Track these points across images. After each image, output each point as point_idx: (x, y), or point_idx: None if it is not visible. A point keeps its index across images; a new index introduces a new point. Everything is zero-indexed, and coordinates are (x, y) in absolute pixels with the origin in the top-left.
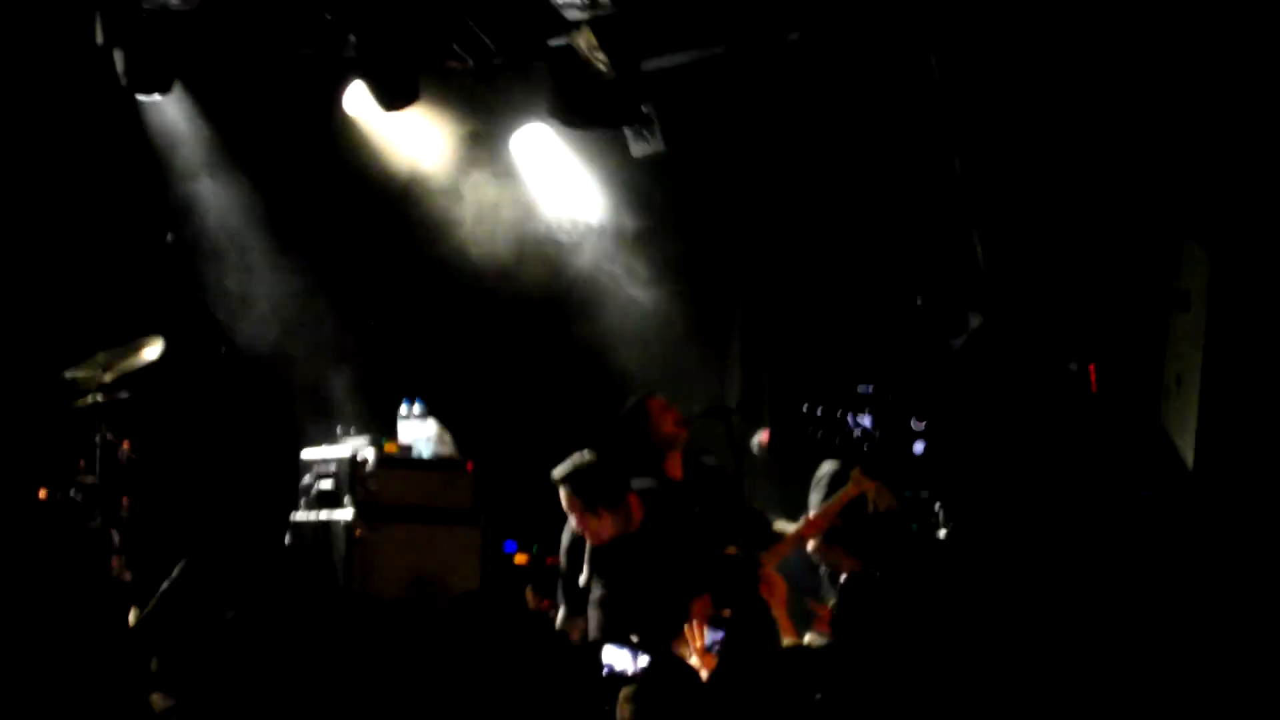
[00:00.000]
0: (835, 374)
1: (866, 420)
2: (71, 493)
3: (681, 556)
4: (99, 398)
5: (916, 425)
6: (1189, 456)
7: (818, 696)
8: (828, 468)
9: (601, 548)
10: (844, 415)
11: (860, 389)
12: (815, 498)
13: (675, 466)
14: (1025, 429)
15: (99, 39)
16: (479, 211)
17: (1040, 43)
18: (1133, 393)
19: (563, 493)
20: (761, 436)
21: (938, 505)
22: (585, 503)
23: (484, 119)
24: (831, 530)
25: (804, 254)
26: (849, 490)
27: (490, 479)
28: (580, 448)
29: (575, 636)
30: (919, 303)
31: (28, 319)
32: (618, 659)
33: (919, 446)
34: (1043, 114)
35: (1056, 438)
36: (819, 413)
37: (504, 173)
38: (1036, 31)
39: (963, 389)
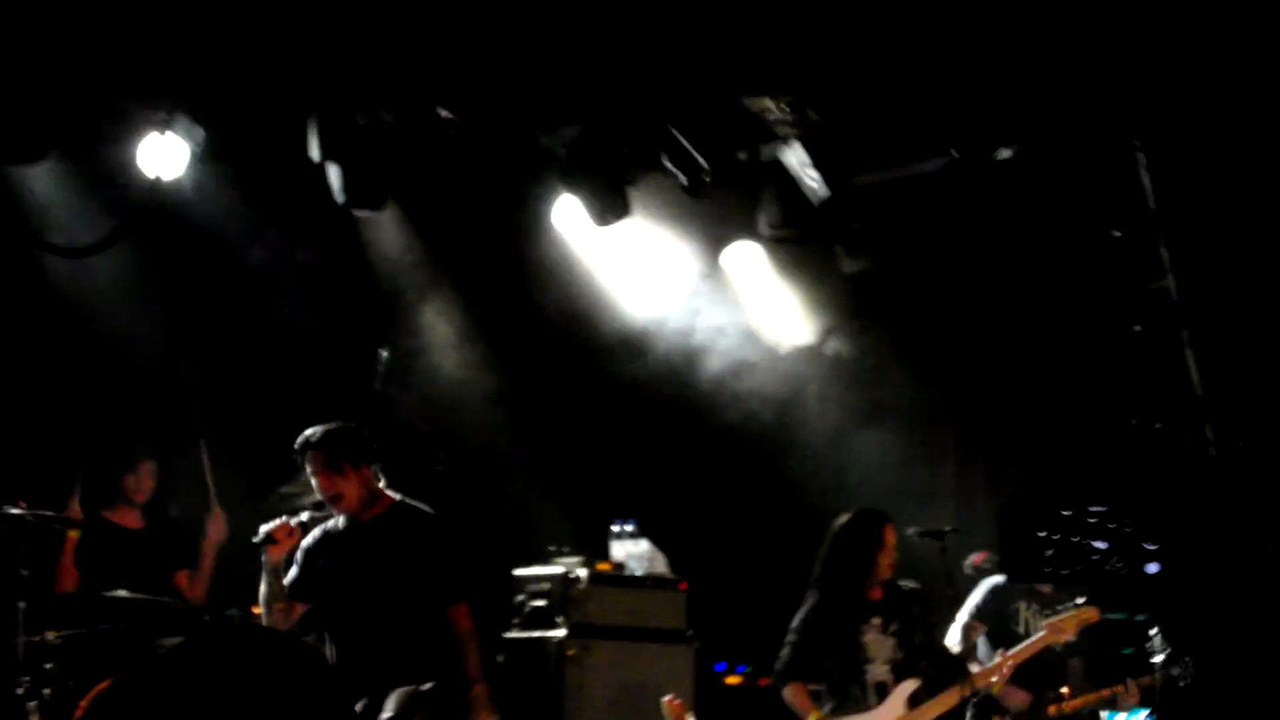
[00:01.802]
0: (1067, 497)
1: (1100, 543)
2: None
3: None
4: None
5: (1149, 546)
6: None
7: None
8: (990, 585)
9: None
10: (1079, 539)
11: (1092, 511)
12: (968, 606)
13: (876, 591)
14: (1257, 554)
15: (315, 155)
16: (691, 331)
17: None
18: None
19: (310, 458)
20: (974, 558)
21: (1154, 630)
22: (329, 459)
23: (694, 234)
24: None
25: (1016, 370)
26: (1045, 638)
27: (702, 599)
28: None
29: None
30: (1134, 424)
31: (244, 435)
32: None
33: (1152, 567)
34: (1261, 229)
35: None
36: (1054, 537)
37: (715, 290)
38: (1256, 142)
39: (1195, 510)
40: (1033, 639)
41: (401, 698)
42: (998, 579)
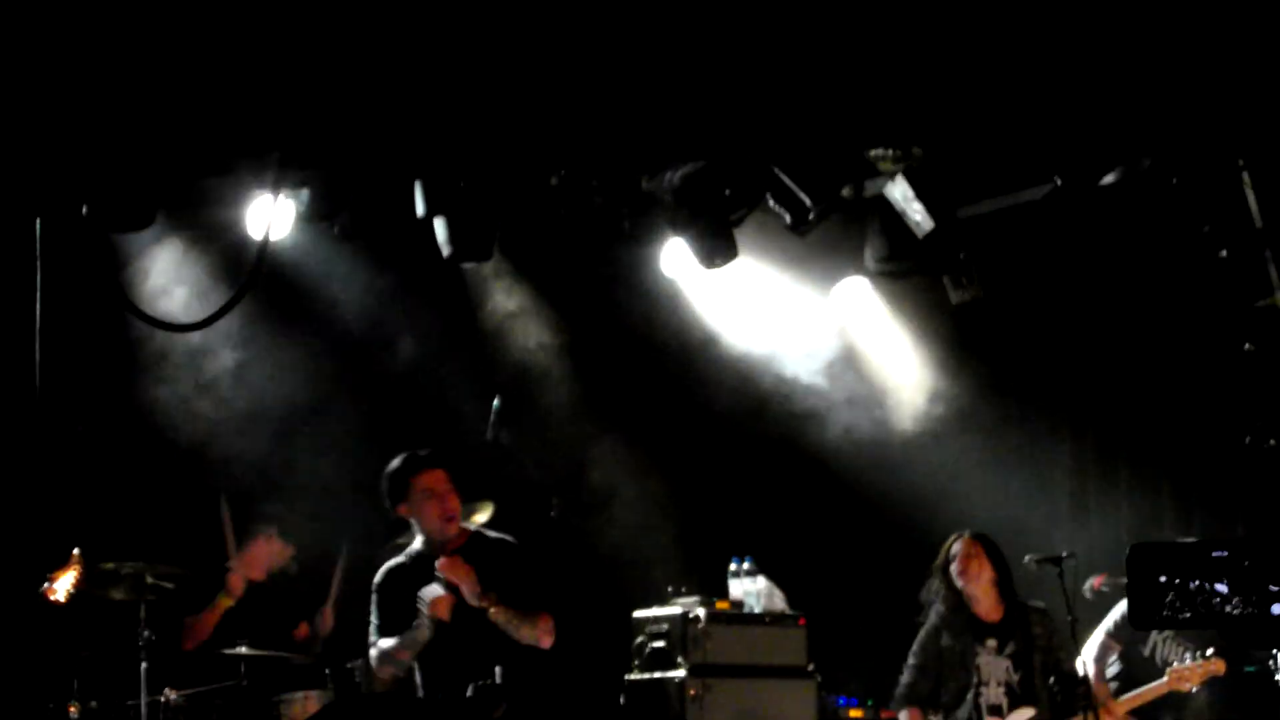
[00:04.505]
0: (1190, 542)
1: (1222, 586)
2: None
3: None
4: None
5: (1275, 589)
6: None
7: None
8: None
9: None
10: (1200, 583)
11: (1215, 554)
12: (1107, 623)
13: (994, 612)
14: None
15: (420, 210)
16: (802, 369)
17: None
18: None
19: (445, 474)
20: (1094, 581)
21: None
22: (454, 476)
23: (801, 272)
24: None
25: (1127, 393)
26: (1167, 685)
27: (823, 634)
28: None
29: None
30: (1248, 442)
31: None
32: None
33: (1278, 608)
34: None
35: None
36: (1175, 581)
37: (825, 328)
38: None
39: None
40: (1154, 685)
41: (478, 694)
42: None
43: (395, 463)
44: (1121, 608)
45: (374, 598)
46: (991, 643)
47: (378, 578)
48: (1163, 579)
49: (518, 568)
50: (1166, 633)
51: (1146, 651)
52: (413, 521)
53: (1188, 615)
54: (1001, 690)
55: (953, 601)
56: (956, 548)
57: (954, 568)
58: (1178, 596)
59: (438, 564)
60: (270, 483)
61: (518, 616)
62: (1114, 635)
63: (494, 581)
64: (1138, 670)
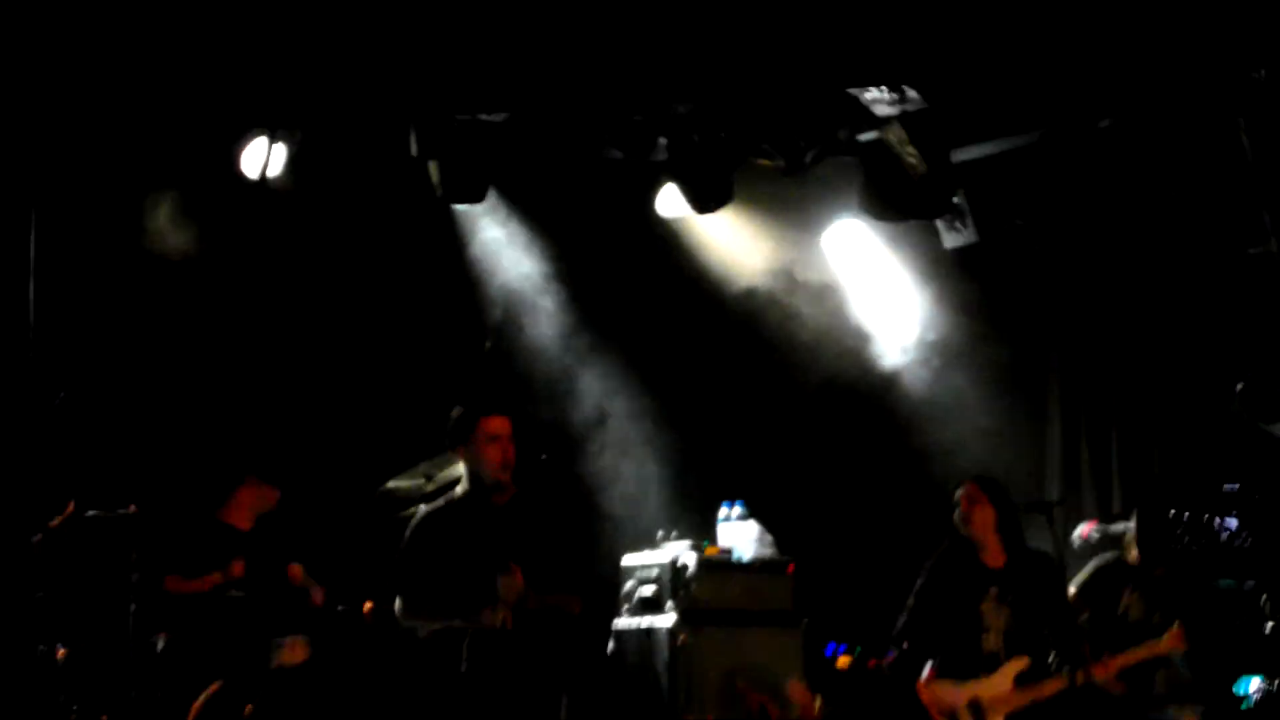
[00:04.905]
0: (1201, 474)
1: (1232, 521)
2: None
3: None
4: (422, 507)
5: None
6: None
7: None
8: (1096, 563)
9: None
10: (1210, 518)
11: (1226, 488)
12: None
13: (998, 559)
14: None
15: (414, 151)
16: (794, 310)
17: None
18: None
19: (508, 420)
20: (1082, 529)
21: (1264, 597)
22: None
23: (796, 216)
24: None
25: (1120, 338)
26: (1164, 644)
27: (811, 580)
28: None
29: None
30: (1239, 388)
31: (350, 430)
32: None
33: None
34: None
35: None
36: (1185, 517)
37: (818, 270)
38: None
39: None
40: (1150, 643)
41: None
42: (1107, 556)
43: (463, 404)
44: (1092, 565)
45: (410, 538)
46: (994, 590)
47: (417, 519)
48: (1173, 512)
49: (557, 534)
50: (1138, 592)
51: (1119, 610)
52: (463, 466)
53: (1197, 548)
54: (1001, 639)
55: (958, 547)
56: (959, 493)
57: (956, 514)
58: (1187, 530)
59: (501, 584)
60: (252, 425)
61: (551, 602)
62: (1082, 598)
63: (533, 541)
64: (1110, 628)
